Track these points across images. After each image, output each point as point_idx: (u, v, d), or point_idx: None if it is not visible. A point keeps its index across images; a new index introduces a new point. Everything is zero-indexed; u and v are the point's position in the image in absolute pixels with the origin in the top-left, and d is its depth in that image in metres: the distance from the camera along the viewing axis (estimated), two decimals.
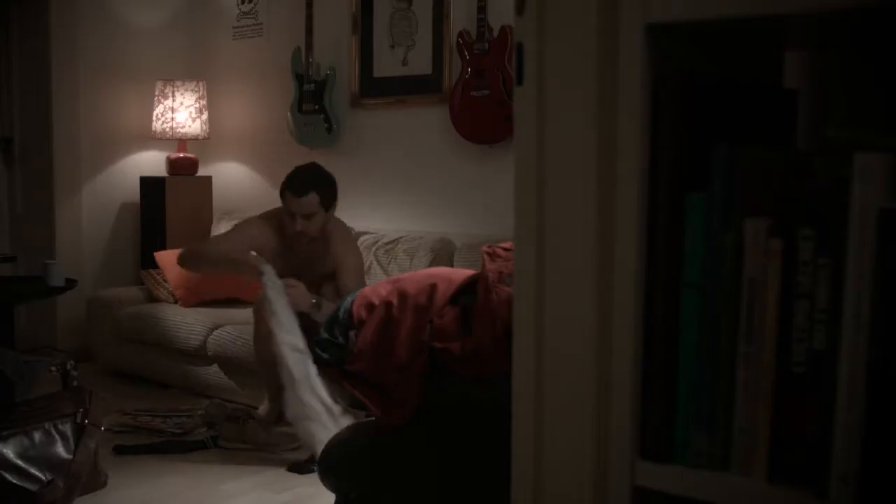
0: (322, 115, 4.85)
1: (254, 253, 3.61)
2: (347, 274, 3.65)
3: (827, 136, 1.02)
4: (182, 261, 3.74)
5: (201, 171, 5.37)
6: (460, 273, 2.13)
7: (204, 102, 5.24)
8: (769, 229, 0.83)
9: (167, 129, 5.15)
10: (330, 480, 2.13)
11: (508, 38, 4.14)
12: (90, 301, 4.94)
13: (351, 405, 2.09)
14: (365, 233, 4.54)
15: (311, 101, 4.87)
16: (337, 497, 2.13)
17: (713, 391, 0.87)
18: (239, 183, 5.40)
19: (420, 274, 2.18)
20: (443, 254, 4.19)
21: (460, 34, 4.30)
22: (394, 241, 4.37)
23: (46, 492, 2.80)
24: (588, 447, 0.94)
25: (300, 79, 4.89)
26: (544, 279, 0.97)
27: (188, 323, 4.40)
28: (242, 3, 5.35)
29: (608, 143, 0.91)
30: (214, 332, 4.29)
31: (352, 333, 2.03)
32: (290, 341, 3.08)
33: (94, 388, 3.39)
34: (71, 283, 4.52)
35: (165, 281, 4.79)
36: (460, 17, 4.39)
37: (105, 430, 3.19)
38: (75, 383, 3.25)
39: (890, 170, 0.76)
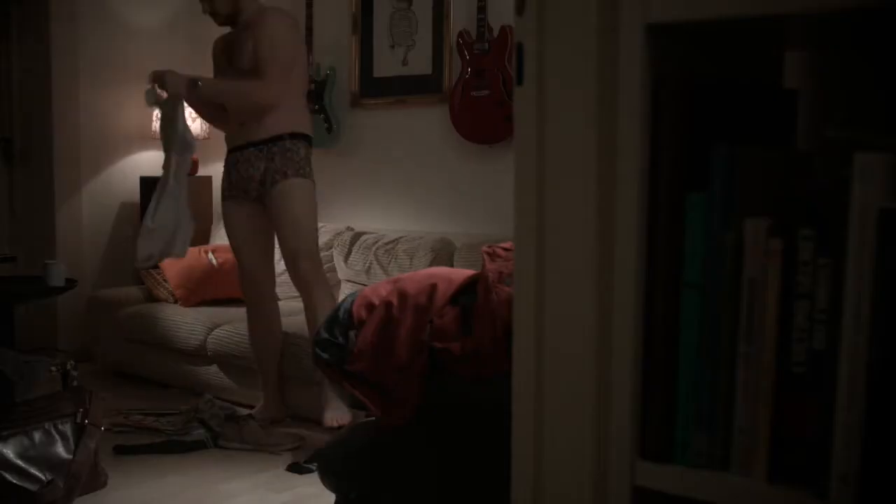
0: (322, 115, 4.85)
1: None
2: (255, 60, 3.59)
3: (827, 136, 1.02)
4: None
5: (201, 171, 5.37)
6: (460, 273, 2.13)
7: None
8: (769, 229, 0.83)
9: None
10: (330, 480, 2.13)
11: (508, 38, 4.15)
12: (90, 301, 4.94)
13: (351, 405, 2.09)
14: (365, 233, 4.54)
15: (311, 101, 4.86)
16: (337, 497, 2.13)
17: (713, 391, 0.87)
18: None
19: (420, 274, 2.18)
20: (443, 254, 4.19)
21: (460, 34, 4.30)
22: (394, 241, 4.37)
23: (46, 492, 2.80)
24: (588, 447, 0.94)
25: None
26: (544, 279, 0.97)
27: (188, 323, 4.40)
28: None
29: (608, 143, 0.91)
30: (214, 332, 4.29)
31: (352, 333, 2.03)
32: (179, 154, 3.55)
33: (94, 388, 3.39)
34: (71, 283, 4.52)
35: (165, 281, 4.79)
36: (460, 17, 4.39)
37: (105, 430, 3.19)
38: (75, 383, 3.25)
39: (890, 170, 0.76)
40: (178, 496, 3.11)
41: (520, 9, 0.96)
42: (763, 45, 1.03)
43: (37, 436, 2.85)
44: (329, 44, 4.87)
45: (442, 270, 2.24)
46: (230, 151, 3.77)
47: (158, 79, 3.57)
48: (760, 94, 1.00)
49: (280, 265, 4.02)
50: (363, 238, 4.49)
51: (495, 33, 4.20)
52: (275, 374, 3.92)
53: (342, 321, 2.07)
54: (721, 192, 0.85)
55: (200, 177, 5.34)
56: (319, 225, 4.75)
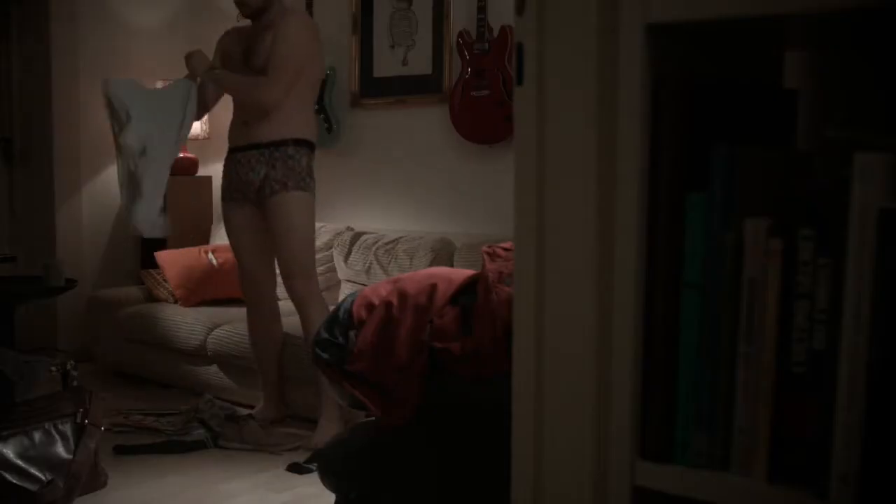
0: (322, 115, 4.85)
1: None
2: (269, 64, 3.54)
3: (827, 136, 1.02)
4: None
5: (201, 171, 5.37)
6: (460, 273, 2.13)
7: None
8: (769, 229, 0.83)
9: None
10: (330, 480, 2.13)
11: (508, 38, 4.15)
12: (90, 301, 4.94)
13: (351, 405, 2.08)
14: (365, 233, 4.54)
15: None
16: (337, 497, 2.13)
17: (713, 391, 0.87)
18: None
19: (420, 274, 2.18)
20: (443, 254, 4.19)
21: (460, 34, 4.30)
22: (394, 241, 4.37)
23: (46, 492, 2.80)
24: (588, 447, 0.94)
25: None
26: (544, 279, 0.97)
27: (188, 323, 4.40)
28: None
29: (608, 143, 0.91)
30: (214, 332, 4.29)
31: (352, 333, 2.03)
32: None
33: (94, 388, 3.39)
34: (71, 283, 4.52)
35: (165, 281, 4.79)
36: (460, 17, 4.39)
37: (105, 430, 3.19)
38: (75, 383, 3.25)
39: (890, 170, 0.76)
40: (178, 496, 3.11)
41: (520, 9, 0.96)
42: (763, 45, 1.03)
43: (37, 436, 2.85)
44: (329, 44, 4.86)
45: (442, 270, 2.24)
46: (231, 151, 3.73)
47: (188, 57, 3.65)
48: (760, 94, 1.00)
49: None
50: (363, 238, 4.49)
51: (495, 33, 4.20)
52: (275, 374, 3.91)
53: (342, 321, 2.07)
54: (721, 192, 0.85)
55: (200, 177, 5.34)
56: (319, 225, 4.76)
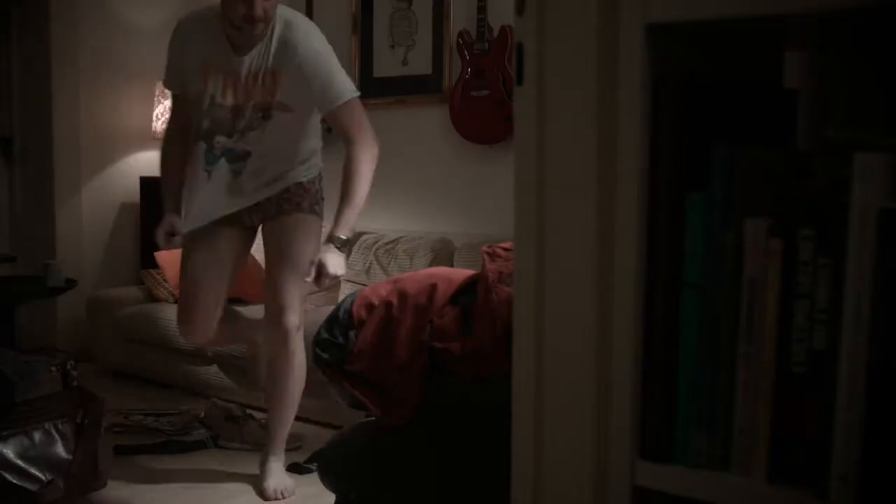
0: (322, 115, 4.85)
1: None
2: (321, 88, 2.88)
3: (827, 136, 1.02)
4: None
5: None
6: (460, 273, 2.13)
7: None
8: (769, 229, 0.83)
9: None
10: (330, 480, 2.13)
11: (508, 38, 4.14)
12: (90, 301, 4.94)
13: (351, 405, 2.09)
14: (365, 233, 4.54)
15: None
16: (337, 497, 2.13)
17: (713, 391, 0.87)
18: None
19: (420, 274, 2.18)
20: (443, 254, 4.19)
21: (460, 34, 4.30)
22: (394, 241, 4.37)
23: (46, 492, 2.80)
24: (588, 447, 0.94)
25: None
26: (544, 279, 0.97)
27: None
28: None
29: (608, 143, 0.91)
30: None
31: (352, 333, 2.03)
32: None
33: (94, 388, 3.38)
34: (71, 283, 4.52)
35: (165, 281, 4.79)
36: (460, 17, 4.39)
37: (105, 430, 3.19)
38: (75, 383, 3.25)
39: (890, 170, 0.76)
40: (178, 496, 3.11)
41: (520, 9, 0.96)
42: (763, 45, 1.03)
43: (37, 436, 2.85)
44: (329, 44, 4.86)
45: (442, 270, 2.24)
46: None
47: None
48: (760, 94, 1.00)
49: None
50: (363, 238, 4.49)
51: (495, 33, 4.20)
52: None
53: (342, 321, 2.07)
54: (721, 192, 0.85)
55: None
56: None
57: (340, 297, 4.56)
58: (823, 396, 0.80)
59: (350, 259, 4.48)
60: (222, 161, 3.00)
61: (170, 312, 4.54)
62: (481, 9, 4.22)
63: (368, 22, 4.75)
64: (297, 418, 3.32)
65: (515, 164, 0.99)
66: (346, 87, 2.95)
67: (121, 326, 4.68)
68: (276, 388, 3.16)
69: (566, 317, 0.95)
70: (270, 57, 2.88)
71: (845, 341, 0.78)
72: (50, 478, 2.83)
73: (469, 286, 2.03)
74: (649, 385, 0.90)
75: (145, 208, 5.20)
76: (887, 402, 0.77)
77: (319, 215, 3.13)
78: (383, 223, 4.68)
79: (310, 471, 3.24)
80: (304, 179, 3.11)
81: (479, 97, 4.24)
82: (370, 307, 2.05)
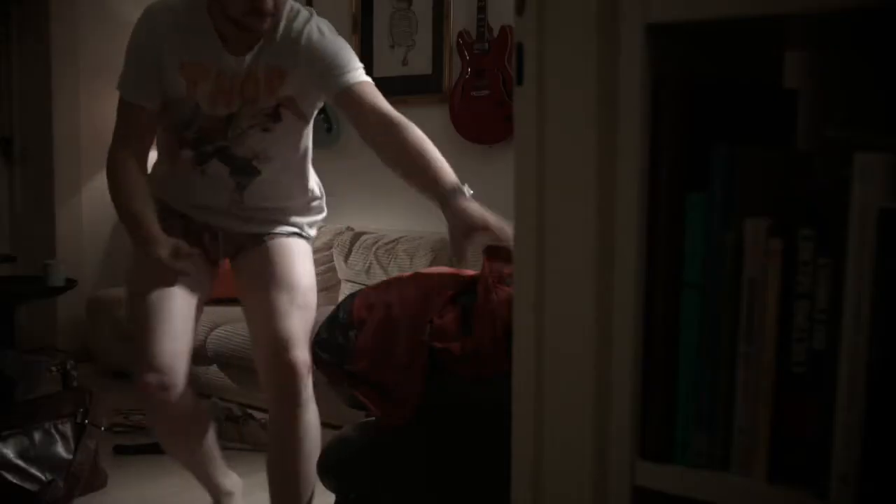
0: (322, 115, 4.85)
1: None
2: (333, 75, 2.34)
3: (827, 136, 1.02)
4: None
5: None
6: (460, 273, 2.13)
7: None
8: (769, 229, 0.83)
9: None
10: (330, 480, 2.13)
11: (508, 38, 4.14)
12: (90, 301, 4.94)
13: (351, 405, 2.08)
14: (365, 233, 4.54)
15: None
16: (337, 497, 2.13)
17: (713, 391, 0.87)
18: None
19: (420, 274, 2.18)
20: (443, 254, 4.19)
21: (460, 34, 4.30)
22: (394, 241, 4.37)
23: (46, 492, 2.80)
24: (588, 447, 0.94)
25: None
26: (544, 279, 0.97)
27: None
28: None
29: (608, 143, 0.91)
30: (214, 332, 4.28)
31: (351, 333, 2.03)
32: None
33: (94, 388, 3.38)
34: (71, 283, 4.51)
35: None
36: (460, 17, 4.39)
37: (105, 430, 3.19)
38: (75, 383, 3.26)
39: (890, 170, 0.76)
40: (178, 496, 3.11)
41: (520, 9, 0.96)
42: (763, 45, 1.03)
43: (37, 436, 2.86)
44: None
45: (442, 270, 2.23)
46: None
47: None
48: (760, 94, 1.00)
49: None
50: (363, 238, 4.49)
51: (495, 33, 4.20)
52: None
53: (342, 321, 2.06)
54: (721, 192, 0.85)
55: None
56: (320, 225, 4.75)
57: (340, 298, 4.56)
58: (823, 396, 0.80)
59: (350, 259, 4.48)
60: (215, 161, 2.38)
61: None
62: (481, 9, 4.22)
63: (368, 22, 4.75)
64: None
65: (515, 164, 0.98)
66: (361, 68, 2.48)
67: (121, 326, 4.68)
68: (283, 454, 2.41)
69: (566, 317, 0.95)
70: (278, 56, 2.29)
71: (845, 341, 0.78)
72: (50, 478, 2.83)
73: (469, 286, 2.03)
74: (649, 385, 0.90)
75: None
76: (887, 402, 0.77)
77: (309, 239, 2.70)
78: (383, 223, 4.68)
79: None
80: (307, 232, 2.66)
81: (479, 97, 4.24)
82: (370, 307, 2.05)
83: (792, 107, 1.03)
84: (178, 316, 2.34)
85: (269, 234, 2.50)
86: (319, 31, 2.39)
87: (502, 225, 2.03)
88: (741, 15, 0.84)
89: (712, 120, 0.89)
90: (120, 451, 3.51)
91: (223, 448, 3.57)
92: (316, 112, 2.57)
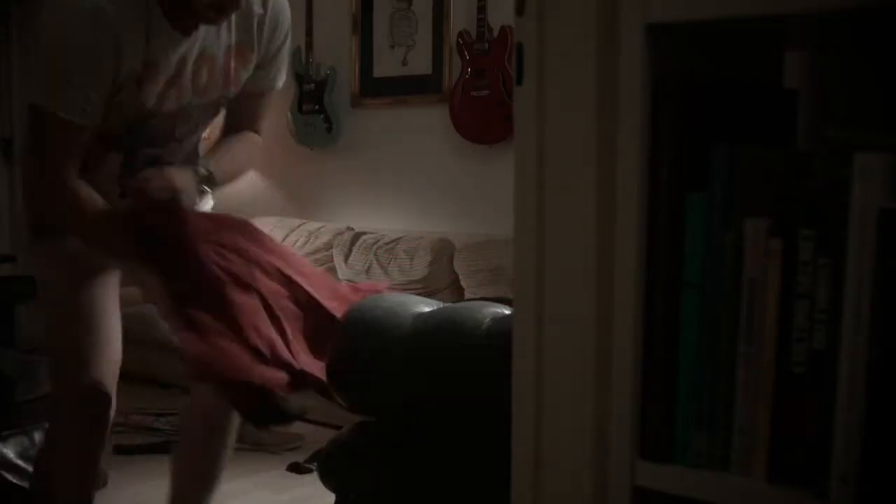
0: (322, 115, 4.85)
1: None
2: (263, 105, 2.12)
3: (827, 136, 1.02)
4: None
5: None
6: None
7: None
8: (769, 229, 0.83)
9: None
10: (330, 480, 2.13)
11: (508, 38, 4.14)
12: None
13: (350, 408, 2.09)
14: (365, 233, 4.54)
15: (311, 101, 4.87)
16: (337, 497, 2.13)
17: (713, 391, 0.87)
18: (238, 183, 5.40)
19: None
20: (443, 254, 4.19)
21: (460, 34, 4.30)
22: (394, 241, 4.37)
23: None
24: (588, 447, 0.94)
25: (300, 79, 4.89)
26: (544, 279, 0.97)
27: None
28: None
29: (608, 143, 0.91)
30: None
31: None
32: None
33: None
34: None
35: None
36: (460, 17, 4.39)
37: None
38: None
39: (890, 170, 0.76)
40: None
41: (520, 9, 0.96)
42: (763, 45, 1.03)
43: (37, 436, 2.86)
44: (329, 44, 4.86)
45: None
46: None
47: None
48: (760, 94, 1.00)
49: None
50: (363, 238, 4.49)
51: (495, 33, 4.20)
52: None
53: None
54: (721, 192, 0.85)
55: None
56: (319, 225, 4.76)
57: None
58: (823, 396, 0.80)
59: (350, 259, 4.48)
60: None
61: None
62: (481, 9, 4.22)
63: (368, 22, 4.75)
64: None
65: (515, 164, 0.98)
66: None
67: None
68: (208, 444, 2.34)
69: (566, 317, 0.95)
70: (233, 29, 1.94)
71: (845, 341, 0.78)
72: None
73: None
74: (649, 385, 0.90)
75: None
76: (887, 402, 0.77)
77: None
78: (383, 223, 4.68)
79: (310, 471, 3.24)
80: None
81: (479, 97, 4.24)
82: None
83: (792, 107, 1.03)
84: (114, 325, 2.16)
85: None
86: (288, 20, 2.08)
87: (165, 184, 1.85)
88: (741, 15, 0.84)
89: (712, 120, 0.89)
90: (120, 451, 3.51)
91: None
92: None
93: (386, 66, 4.69)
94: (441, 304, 2.03)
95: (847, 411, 0.78)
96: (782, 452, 0.84)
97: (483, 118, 4.24)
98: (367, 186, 4.84)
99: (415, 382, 1.91)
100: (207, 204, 2.19)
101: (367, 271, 4.39)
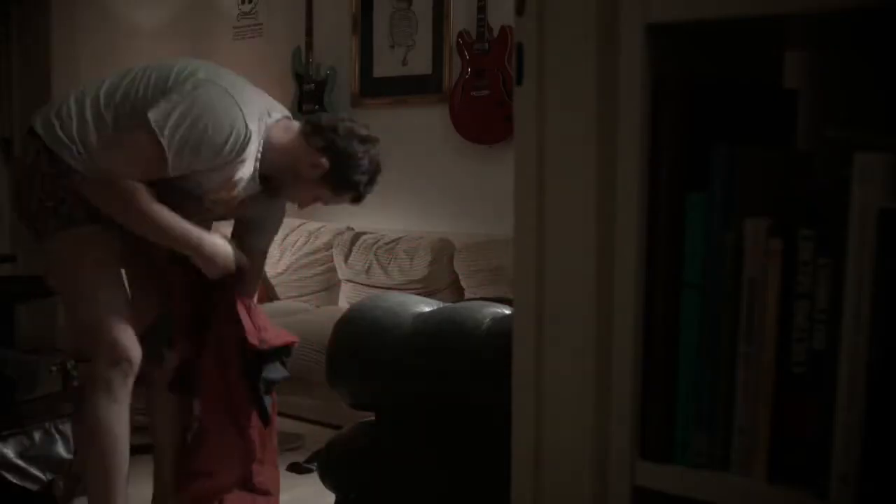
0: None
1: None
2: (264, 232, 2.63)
3: (827, 136, 1.02)
4: None
5: None
6: None
7: None
8: (769, 229, 0.83)
9: None
10: (330, 480, 2.13)
11: (508, 38, 4.14)
12: None
13: (352, 405, 2.09)
14: (365, 233, 4.54)
15: (311, 101, 4.87)
16: (337, 497, 2.13)
17: (713, 391, 0.87)
18: None
19: None
20: (443, 254, 4.19)
21: (460, 34, 4.30)
22: (394, 241, 4.37)
23: (46, 492, 2.80)
24: (588, 447, 0.94)
25: (300, 79, 4.89)
26: (544, 279, 0.97)
27: None
28: (242, 3, 5.35)
29: (608, 143, 0.91)
30: None
31: None
32: None
33: None
34: None
35: None
36: (460, 17, 4.39)
37: None
38: (75, 383, 3.26)
39: (890, 170, 0.76)
40: None
41: (520, 9, 0.96)
42: (763, 45, 1.03)
43: (37, 436, 2.85)
44: (329, 44, 4.87)
45: None
46: None
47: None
48: (760, 94, 1.00)
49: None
50: (363, 238, 4.49)
51: (495, 33, 4.20)
52: None
53: None
54: (721, 192, 0.85)
55: None
56: (319, 225, 4.76)
57: (340, 298, 4.56)
58: (823, 396, 0.80)
59: (350, 259, 4.48)
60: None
61: None
62: (481, 9, 4.22)
63: (368, 22, 4.75)
64: (297, 418, 3.32)
65: (515, 164, 0.98)
66: None
67: None
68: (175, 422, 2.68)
69: (566, 317, 0.95)
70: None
71: (845, 341, 0.78)
72: (50, 478, 2.83)
73: None
74: (649, 385, 0.90)
75: None
76: (887, 402, 0.77)
77: None
78: (383, 223, 4.68)
79: (310, 471, 3.24)
80: None
81: (479, 97, 4.24)
82: None
83: (792, 107, 1.03)
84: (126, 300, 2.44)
85: None
86: None
87: None
88: (741, 15, 0.84)
89: (712, 120, 0.89)
90: None
91: None
92: None
93: (386, 66, 4.69)
94: (441, 304, 2.03)
95: (847, 411, 0.78)
96: (782, 452, 0.84)
97: (483, 118, 4.24)
98: None
99: (415, 382, 1.91)
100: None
101: (367, 271, 4.39)
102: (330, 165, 2.42)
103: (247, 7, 5.33)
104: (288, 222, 4.82)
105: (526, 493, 1.00)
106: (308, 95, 4.87)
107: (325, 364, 2.07)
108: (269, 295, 4.65)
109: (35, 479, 2.81)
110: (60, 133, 2.31)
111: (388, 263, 4.31)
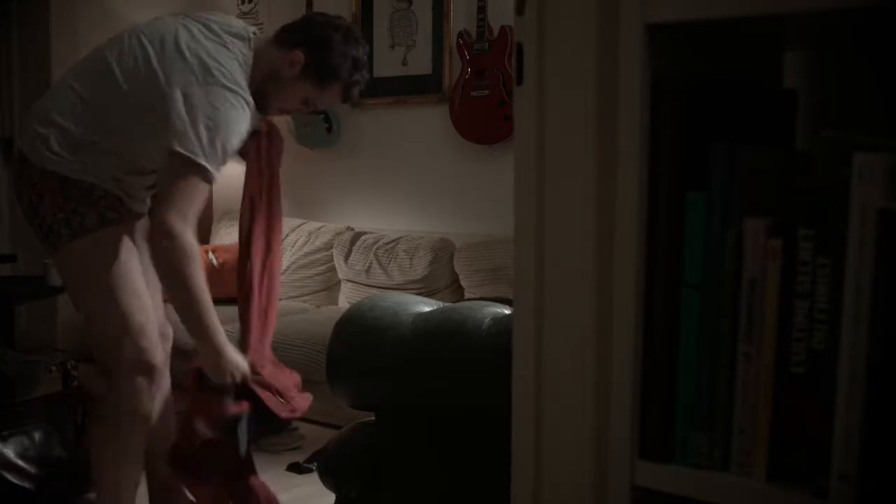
0: (322, 115, 4.85)
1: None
2: None
3: (827, 136, 1.02)
4: None
5: None
6: None
7: None
8: (769, 229, 0.83)
9: None
10: (330, 480, 2.13)
11: (508, 38, 4.14)
12: None
13: (351, 405, 2.09)
14: (365, 233, 4.54)
15: None
16: (337, 497, 2.13)
17: (713, 391, 0.87)
18: (239, 183, 5.38)
19: None
20: (443, 254, 4.19)
21: (460, 34, 4.30)
22: (394, 241, 4.37)
23: (46, 492, 2.80)
24: (588, 447, 0.94)
25: None
26: (544, 279, 0.97)
27: None
28: (242, 3, 5.35)
29: (608, 143, 0.91)
30: None
31: None
32: None
33: (94, 388, 3.38)
34: None
35: None
36: (460, 17, 4.39)
37: None
38: (75, 383, 3.25)
39: (890, 170, 0.76)
40: None
41: (520, 9, 0.96)
42: (763, 45, 1.03)
43: (37, 436, 2.85)
44: None
45: None
46: None
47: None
48: (760, 93, 1.00)
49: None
50: (363, 238, 4.49)
51: (495, 33, 4.20)
52: None
53: None
54: (721, 192, 0.85)
55: None
56: (319, 225, 4.76)
57: (340, 298, 4.57)
58: (823, 396, 0.80)
59: (350, 259, 4.48)
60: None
61: (169, 312, 4.53)
62: (481, 9, 4.22)
63: (368, 22, 4.75)
64: (297, 418, 3.30)
65: (515, 164, 0.98)
66: None
67: None
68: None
69: (566, 317, 0.95)
70: None
71: (845, 341, 0.78)
72: (50, 478, 2.83)
73: None
74: (649, 385, 0.90)
75: None
76: (887, 402, 0.77)
77: None
78: (383, 223, 4.69)
79: (310, 471, 3.24)
80: None
81: (479, 97, 4.24)
82: None
83: (792, 107, 1.03)
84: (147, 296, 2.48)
85: None
86: None
87: None
88: (741, 15, 0.84)
89: (712, 120, 0.89)
90: None
91: None
92: None
93: (386, 66, 4.69)
94: (441, 304, 2.03)
95: (847, 411, 0.78)
96: (782, 452, 0.84)
97: (483, 118, 4.24)
98: (367, 186, 4.84)
99: (415, 382, 1.91)
100: None
101: (367, 271, 4.39)
102: (306, 56, 2.34)
103: (247, 7, 5.33)
104: (288, 222, 4.83)
105: (525, 492, 1.00)
106: None
107: (325, 364, 2.07)
108: None
109: (35, 479, 2.81)
110: (48, 154, 2.29)
111: (388, 263, 4.31)
